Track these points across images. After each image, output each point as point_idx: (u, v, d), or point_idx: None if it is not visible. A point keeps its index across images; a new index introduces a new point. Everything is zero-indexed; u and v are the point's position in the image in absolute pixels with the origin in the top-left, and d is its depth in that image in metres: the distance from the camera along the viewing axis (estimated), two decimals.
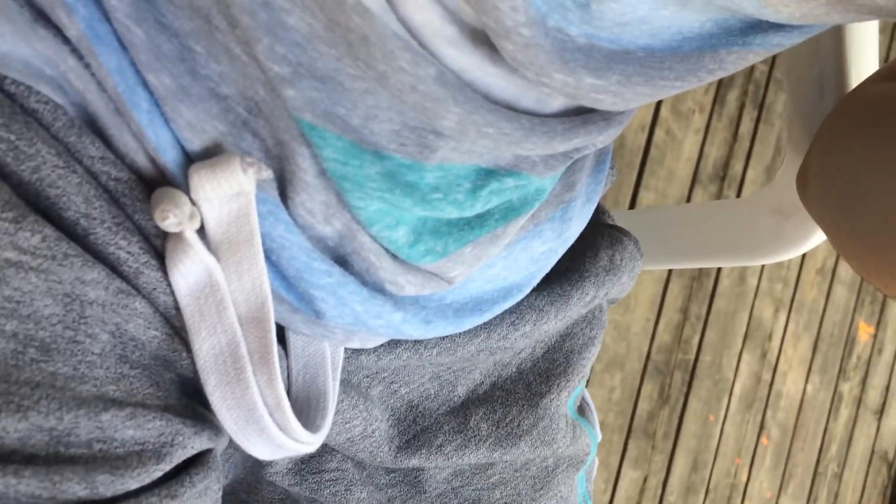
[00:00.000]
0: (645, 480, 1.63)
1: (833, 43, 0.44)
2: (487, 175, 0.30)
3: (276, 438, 0.28)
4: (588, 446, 0.44)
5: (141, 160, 0.27)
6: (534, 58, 0.23)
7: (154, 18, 0.24)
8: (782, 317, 1.86)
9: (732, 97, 1.63)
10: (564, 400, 0.42)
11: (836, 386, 2.05)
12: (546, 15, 0.22)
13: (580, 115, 0.28)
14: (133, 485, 0.26)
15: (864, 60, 0.44)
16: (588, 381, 1.48)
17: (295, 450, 0.30)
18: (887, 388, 2.21)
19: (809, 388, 1.97)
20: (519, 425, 0.39)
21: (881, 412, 2.21)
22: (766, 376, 1.85)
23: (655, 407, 1.63)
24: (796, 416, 1.96)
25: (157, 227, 0.27)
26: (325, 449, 0.37)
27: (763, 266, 1.78)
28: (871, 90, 0.39)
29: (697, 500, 1.73)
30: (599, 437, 0.47)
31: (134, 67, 0.25)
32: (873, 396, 2.18)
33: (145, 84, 0.25)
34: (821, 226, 0.41)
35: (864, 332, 2.11)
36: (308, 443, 0.30)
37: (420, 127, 0.26)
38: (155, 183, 0.27)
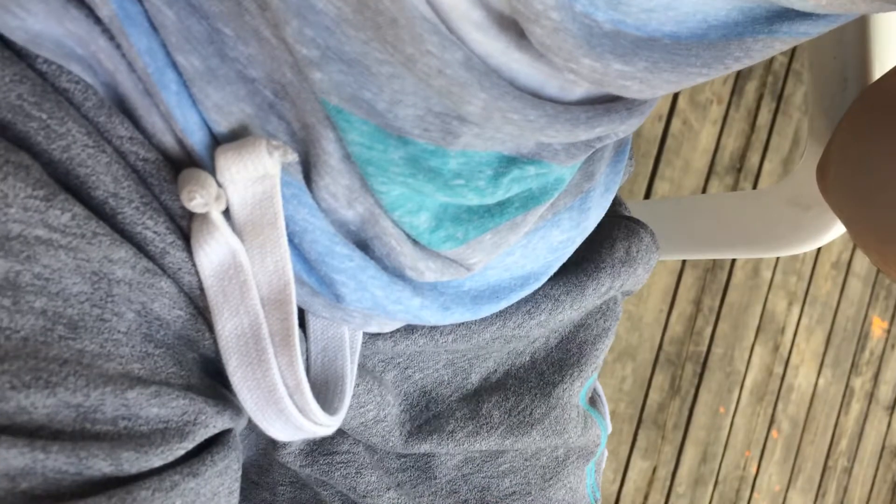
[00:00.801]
0: (654, 471, 1.63)
1: (857, 34, 0.43)
2: (509, 162, 0.30)
3: (295, 420, 0.29)
4: (598, 437, 0.44)
5: (169, 141, 0.27)
6: (562, 42, 0.23)
7: (185, 0, 0.24)
8: (796, 310, 1.85)
9: (751, 88, 1.62)
10: (577, 390, 0.42)
11: (849, 380, 2.04)
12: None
13: (603, 103, 0.28)
14: (157, 462, 0.26)
15: (887, 52, 0.44)
16: (600, 371, 1.48)
17: (313, 432, 0.30)
18: None
19: (821, 381, 1.96)
20: (531, 414, 0.40)
21: (893, 407, 2.20)
22: (778, 369, 1.85)
23: (666, 398, 1.63)
24: (807, 409, 1.95)
25: (183, 208, 0.27)
26: (338, 432, 0.38)
27: (777, 259, 1.77)
28: (894, 81, 0.39)
29: (706, 492, 1.73)
30: (610, 429, 0.47)
31: (164, 49, 0.25)
32: (885, 392, 2.17)
33: (174, 65, 0.25)
34: (840, 218, 0.41)
35: (878, 326, 2.10)
36: (326, 425, 0.30)
37: (444, 112, 0.26)
38: (182, 164, 0.27)
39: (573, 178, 0.35)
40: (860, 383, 2.08)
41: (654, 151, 1.48)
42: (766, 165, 1.66)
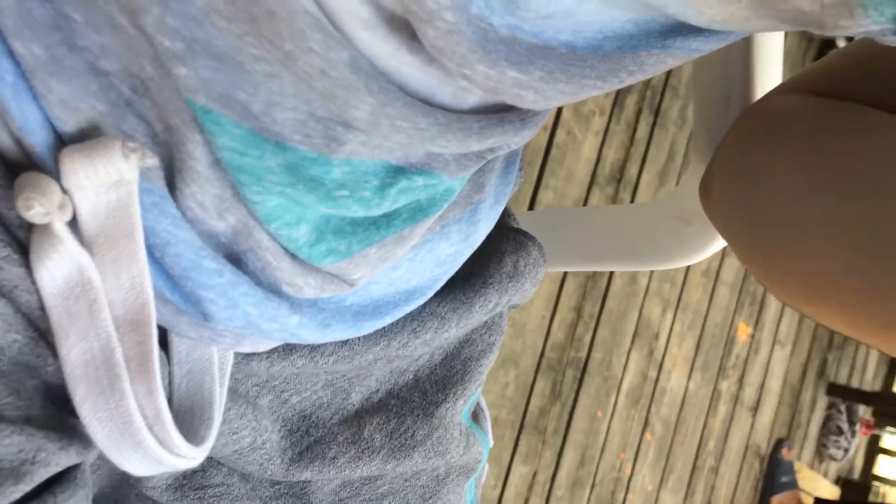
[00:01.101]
0: (534, 475, 1.65)
1: (741, 54, 0.44)
2: (397, 173, 0.28)
3: (154, 454, 0.26)
4: (480, 454, 0.43)
5: (3, 140, 0.23)
6: (456, 46, 0.21)
7: None
8: (669, 316, 1.93)
9: (631, 102, 1.67)
10: (460, 409, 0.40)
11: (716, 384, 2.14)
12: (470, 0, 0.20)
13: (497, 113, 0.27)
14: None
15: (769, 73, 0.45)
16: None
17: (175, 465, 0.27)
18: (762, 387, 2.34)
19: (691, 385, 2.05)
20: (413, 436, 0.38)
21: (756, 409, 2.33)
22: (653, 373, 1.91)
23: (547, 403, 1.65)
24: (678, 412, 2.03)
25: (20, 217, 0.24)
26: (210, 462, 0.35)
27: None
28: (775, 101, 0.40)
29: (583, 494, 1.77)
30: (491, 444, 0.46)
31: None
32: (749, 394, 2.29)
33: (11, 53, 0.22)
34: (723, 234, 0.42)
35: (743, 332, 2.21)
36: (190, 457, 0.27)
37: (327, 118, 0.24)
38: (20, 167, 0.24)
39: (463, 190, 0.34)
40: (727, 386, 2.18)
41: (539, 161, 1.50)
42: (644, 177, 1.72)
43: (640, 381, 1.89)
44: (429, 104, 0.25)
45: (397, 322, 0.37)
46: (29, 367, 0.26)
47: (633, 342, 1.84)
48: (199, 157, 0.24)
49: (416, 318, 0.37)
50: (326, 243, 0.28)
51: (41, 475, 0.24)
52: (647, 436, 1.95)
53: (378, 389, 0.39)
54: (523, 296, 0.43)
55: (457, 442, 0.40)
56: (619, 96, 1.65)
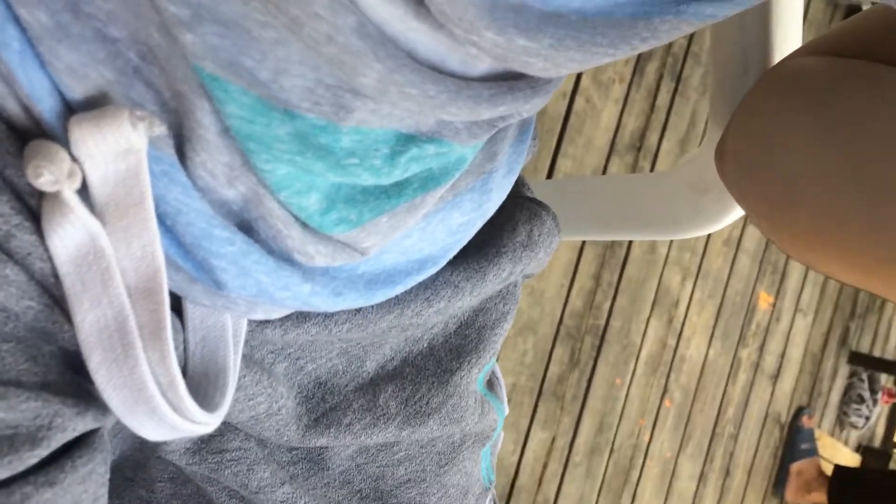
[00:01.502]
0: (553, 441, 1.67)
1: (758, 20, 0.43)
2: (407, 141, 0.28)
3: (168, 420, 0.26)
4: (495, 422, 0.43)
5: (12, 108, 0.23)
6: (462, 12, 0.21)
7: None
8: (689, 285, 1.92)
9: (651, 69, 1.64)
10: (475, 377, 0.41)
11: (736, 352, 2.14)
12: None
13: (507, 80, 0.27)
14: (3, 473, 0.23)
15: (788, 38, 0.44)
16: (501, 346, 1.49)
17: (190, 431, 0.27)
18: (783, 355, 2.32)
19: (711, 353, 2.04)
20: (428, 403, 0.38)
21: (776, 377, 2.32)
22: (672, 341, 1.91)
23: (565, 370, 1.66)
24: (698, 379, 2.03)
25: (31, 185, 0.24)
26: (227, 427, 0.35)
27: None
28: (793, 63, 0.39)
29: (602, 461, 1.78)
30: (507, 412, 0.46)
31: (4, 2, 0.22)
32: (770, 362, 2.28)
33: (17, 21, 0.22)
34: (733, 193, 0.41)
35: (764, 300, 2.20)
36: (205, 423, 0.28)
37: (336, 85, 0.24)
38: (29, 135, 0.24)
39: (475, 159, 0.34)
40: (747, 354, 2.18)
41: (558, 129, 1.49)
42: (665, 145, 1.70)
43: (659, 349, 1.89)
44: (438, 71, 0.25)
45: (410, 290, 0.37)
46: (45, 333, 0.26)
47: (652, 310, 1.83)
48: (208, 125, 0.24)
49: (429, 287, 0.37)
50: (337, 212, 0.28)
51: (58, 440, 0.25)
52: (667, 403, 1.95)
53: (393, 357, 0.39)
54: (537, 265, 0.42)
55: (472, 409, 0.41)
56: (640, 63, 1.62)
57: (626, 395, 1.82)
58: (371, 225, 0.30)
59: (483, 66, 0.26)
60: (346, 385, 0.37)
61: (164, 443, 0.35)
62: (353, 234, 0.29)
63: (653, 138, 1.68)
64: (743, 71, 0.45)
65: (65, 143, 0.23)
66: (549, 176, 1.50)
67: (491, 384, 0.46)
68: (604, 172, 1.60)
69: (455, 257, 0.37)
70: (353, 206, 0.29)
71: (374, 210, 0.29)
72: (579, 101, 1.51)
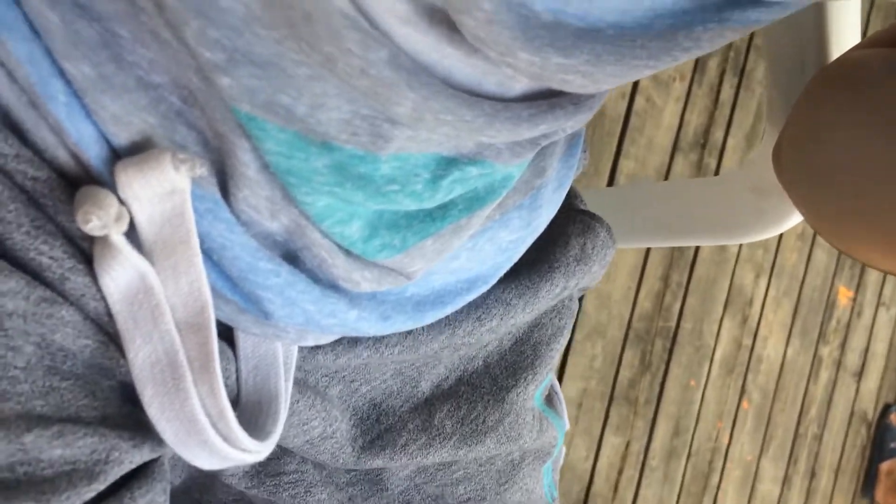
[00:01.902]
0: (627, 446, 1.64)
1: (814, 17, 0.42)
2: (448, 164, 0.28)
3: (220, 450, 0.27)
4: (555, 438, 0.43)
5: (62, 156, 0.24)
6: (497, 35, 0.21)
7: (71, 1, 0.22)
8: (763, 282, 1.86)
9: (713, 64, 1.61)
10: (532, 393, 0.40)
11: (816, 349, 2.06)
12: None
13: (547, 98, 0.26)
14: None
15: (846, 34, 0.42)
16: (569, 349, 1.48)
17: (241, 460, 0.28)
18: (866, 351, 2.23)
19: (790, 351, 1.98)
20: (484, 422, 0.38)
21: (860, 374, 2.23)
22: (747, 341, 1.86)
23: (637, 374, 1.63)
24: (776, 379, 1.97)
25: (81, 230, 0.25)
26: (284, 451, 0.36)
27: None
28: (851, 56, 0.38)
29: (679, 465, 1.74)
30: (567, 426, 0.46)
31: (49, 56, 0.23)
32: (852, 359, 2.19)
33: (62, 73, 0.23)
34: (793, 200, 0.40)
35: (844, 295, 2.12)
36: (257, 451, 0.28)
37: (373, 115, 0.24)
38: (79, 181, 0.25)
39: (523, 175, 0.33)
40: (828, 351, 2.10)
41: (618, 130, 1.47)
42: (730, 141, 1.66)
43: (734, 350, 1.84)
44: (475, 95, 0.25)
45: (462, 310, 0.37)
46: (103, 369, 0.27)
47: (725, 310, 1.79)
48: (249, 162, 0.24)
49: (480, 306, 0.37)
50: (380, 238, 0.28)
51: (115, 474, 0.26)
52: (745, 404, 1.90)
53: (447, 377, 0.39)
54: (592, 278, 0.42)
55: (529, 426, 0.40)
56: (701, 59, 1.59)
57: (702, 398, 1.78)
58: (416, 249, 0.30)
59: (520, 86, 0.26)
60: (401, 406, 0.37)
61: (224, 469, 0.36)
62: (397, 259, 0.29)
63: (718, 134, 1.64)
64: (800, 69, 0.43)
65: (112, 187, 0.24)
66: (612, 178, 1.48)
67: (550, 399, 0.45)
68: (667, 172, 1.57)
69: (507, 274, 0.37)
70: (396, 231, 0.29)
71: (418, 234, 0.29)
72: (639, 101, 1.49)
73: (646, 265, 1.59)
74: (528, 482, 0.42)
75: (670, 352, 1.68)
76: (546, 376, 0.42)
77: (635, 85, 1.48)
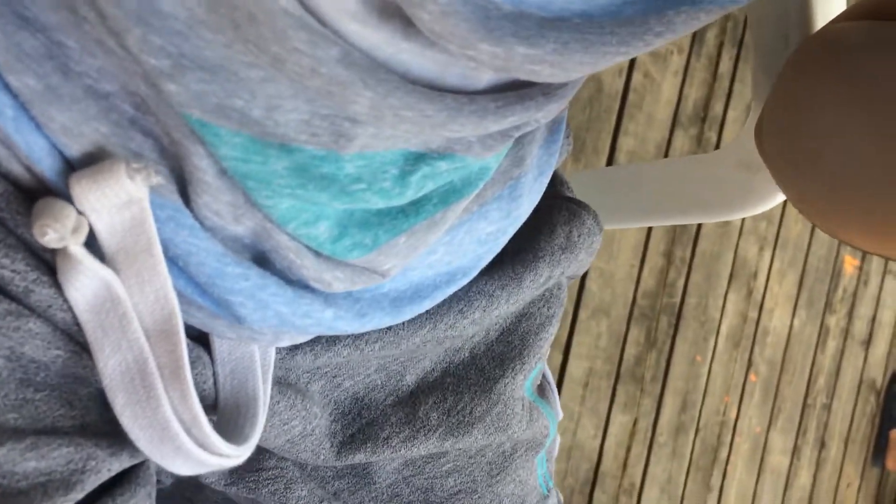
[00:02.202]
0: (635, 423, 1.64)
1: None
2: (417, 160, 0.27)
3: (195, 456, 0.27)
4: (546, 428, 0.42)
5: (16, 170, 0.24)
6: (454, 28, 0.20)
7: (13, 12, 0.21)
8: (767, 254, 1.85)
9: (711, 36, 1.59)
10: (520, 383, 0.40)
11: (823, 319, 2.06)
12: None
13: (516, 90, 0.26)
14: None
15: (830, 3, 0.41)
16: (574, 329, 1.48)
17: (219, 465, 0.28)
18: (873, 319, 2.23)
19: (796, 322, 1.97)
20: (471, 413, 0.38)
21: (868, 343, 2.22)
22: (753, 314, 1.85)
23: (642, 351, 1.63)
24: (783, 351, 1.96)
25: None
26: (263, 448, 0.36)
27: None
28: (830, 29, 0.37)
29: (688, 439, 1.74)
30: (560, 416, 0.45)
31: None
32: (860, 327, 2.19)
33: (8, 87, 0.22)
34: (775, 178, 0.39)
35: (850, 264, 2.11)
36: (234, 456, 0.28)
37: (333, 115, 0.24)
38: (38, 193, 0.24)
39: (501, 166, 0.33)
40: (835, 321, 2.09)
41: (616, 107, 1.46)
42: (731, 114, 1.64)
43: (739, 323, 1.83)
44: (437, 89, 0.24)
45: (444, 303, 0.36)
46: (78, 378, 0.27)
47: (729, 284, 1.78)
48: (206, 167, 0.24)
49: (462, 298, 0.37)
50: (350, 237, 0.28)
51: (93, 482, 0.26)
52: (752, 377, 1.89)
53: (433, 369, 0.39)
54: (579, 266, 0.41)
55: (518, 417, 0.40)
56: (698, 31, 1.57)
57: (709, 372, 1.78)
58: (388, 247, 0.29)
59: (487, 77, 0.25)
60: (385, 399, 0.37)
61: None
62: (370, 257, 0.29)
63: (717, 108, 1.62)
64: (783, 42, 0.43)
65: (70, 198, 0.24)
66: (611, 155, 1.47)
67: (542, 389, 0.45)
68: (668, 147, 1.55)
69: (490, 264, 0.36)
70: (367, 229, 0.28)
71: (390, 231, 0.29)
72: (637, 77, 1.48)
73: (648, 242, 1.59)
74: (521, 473, 0.42)
75: (675, 328, 1.68)
76: (535, 366, 0.41)
77: (632, 60, 1.47)
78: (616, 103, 1.46)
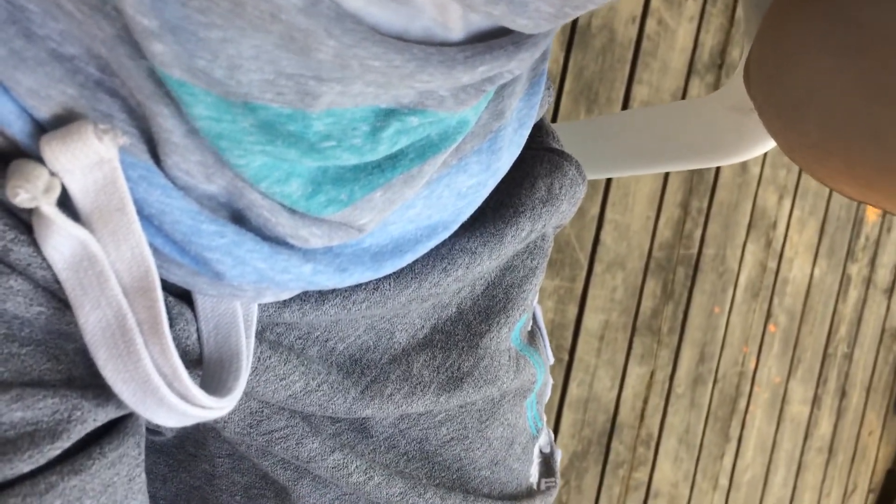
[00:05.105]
0: (652, 375, 1.65)
1: None
2: (388, 115, 0.27)
3: (178, 408, 0.28)
4: (534, 375, 0.43)
5: None
6: None
7: None
8: (787, 203, 1.83)
9: None
10: (505, 336, 0.40)
11: (845, 268, 2.04)
12: None
13: (486, 41, 0.26)
14: (25, 467, 0.25)
15: None
16: (589, 282, 1.48)
17: (202, 416, 0.29)
18: None
19: (817, 272, 1.96)
20: (459, 368, 0.39)
21: (891, 290, 2.20)
22: (772, 264, 1.84)
23: (659, 303, 1.63)
24: (804, 301, 1.95)
25: None
26: (272, 408, 0.37)
27: (765, 153, 1.74)
28: None
29: (706, 390, 1.75)
30: (552, 361, 0.46)
31: None
32: (883, 275, 2.16)
33: None
34: (764, 123, 0.39)
35: (872, 212, 2.08)
36: (217, 408, 0.29)
37: (298, 73, 0.24)
38: (12, 156, 0.25)
39: (480, 119, 0.33)
40: (857, 269, 2.07)
41: (630, 56, 1.43)
42: None
43: (758, 273, 1.82)
44: (405, 40, 0.24)
45: (427, 261, 0.37)
46: (63, 333, 0.28)
47: (748, 234, 1.77)
48: (171, 128, 0.24)
49: (445, 256, 0.37)
50: (325, 194, 0.28)
51: (79, 431, 0.27)
52: (771, 328, 1.89)
53: (423, 326, 0.39)
54: (562, 217, 0.42)
55: (505, 368, 0.41)
56: None
57: (727, 323, 1.78)
58: (364, 202, 0.29)
59: (458, 27, 0.25)
60: (380, 359, 0.38)
61: (217, 427, 0.37)
62: (346, 212, 0.29)
63: (735, 53, 1.59)
64: None
65: (43, 160, 0.24)
66: (625, 104, 1.45)
67: (532, 335, 0.45)
68: (683, 95, 1.53)
69: (472, 220, 0.37)
70: (342, 185, 0.29)
71: (366, 187, 0.29)
72: (650, 24, 1.45)
73: (664, 193, 1.57)
74: (510, 417, 0.42)
75: (693, 279, 1.67)
76: (520, 318, 0.42)
77: (646, 7, 1.44)
78: (629, 52, 1.44)
